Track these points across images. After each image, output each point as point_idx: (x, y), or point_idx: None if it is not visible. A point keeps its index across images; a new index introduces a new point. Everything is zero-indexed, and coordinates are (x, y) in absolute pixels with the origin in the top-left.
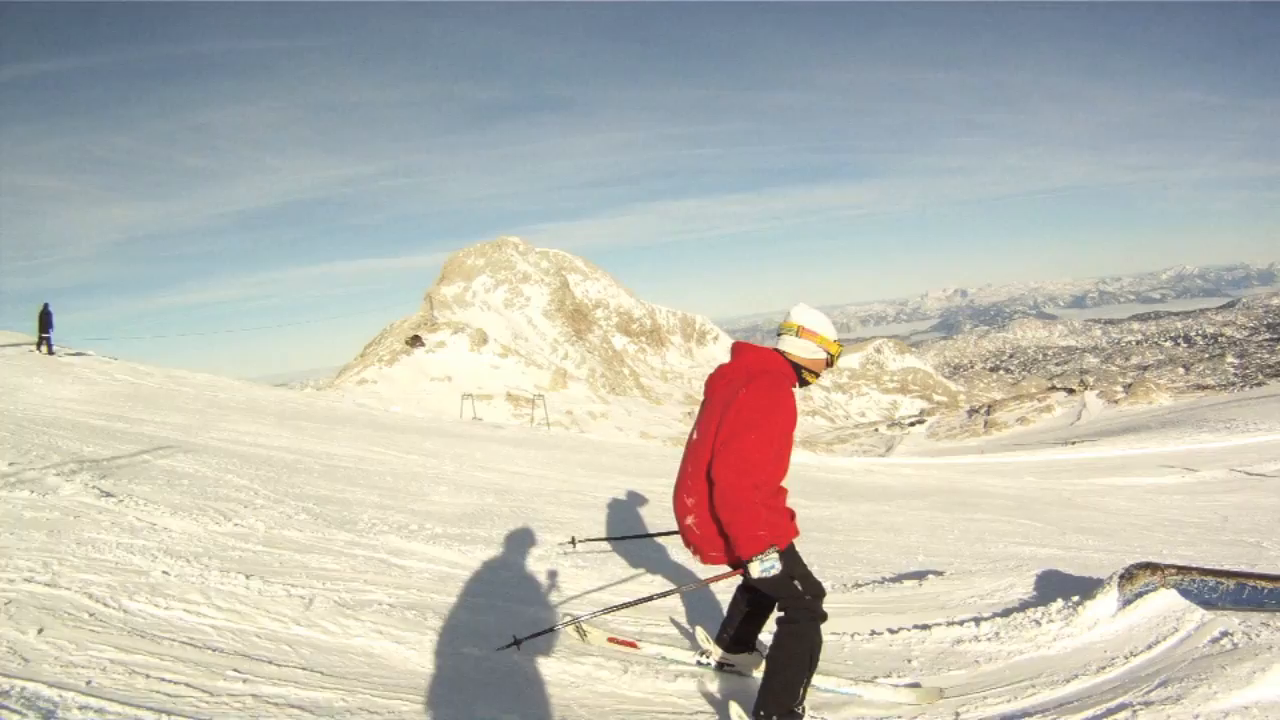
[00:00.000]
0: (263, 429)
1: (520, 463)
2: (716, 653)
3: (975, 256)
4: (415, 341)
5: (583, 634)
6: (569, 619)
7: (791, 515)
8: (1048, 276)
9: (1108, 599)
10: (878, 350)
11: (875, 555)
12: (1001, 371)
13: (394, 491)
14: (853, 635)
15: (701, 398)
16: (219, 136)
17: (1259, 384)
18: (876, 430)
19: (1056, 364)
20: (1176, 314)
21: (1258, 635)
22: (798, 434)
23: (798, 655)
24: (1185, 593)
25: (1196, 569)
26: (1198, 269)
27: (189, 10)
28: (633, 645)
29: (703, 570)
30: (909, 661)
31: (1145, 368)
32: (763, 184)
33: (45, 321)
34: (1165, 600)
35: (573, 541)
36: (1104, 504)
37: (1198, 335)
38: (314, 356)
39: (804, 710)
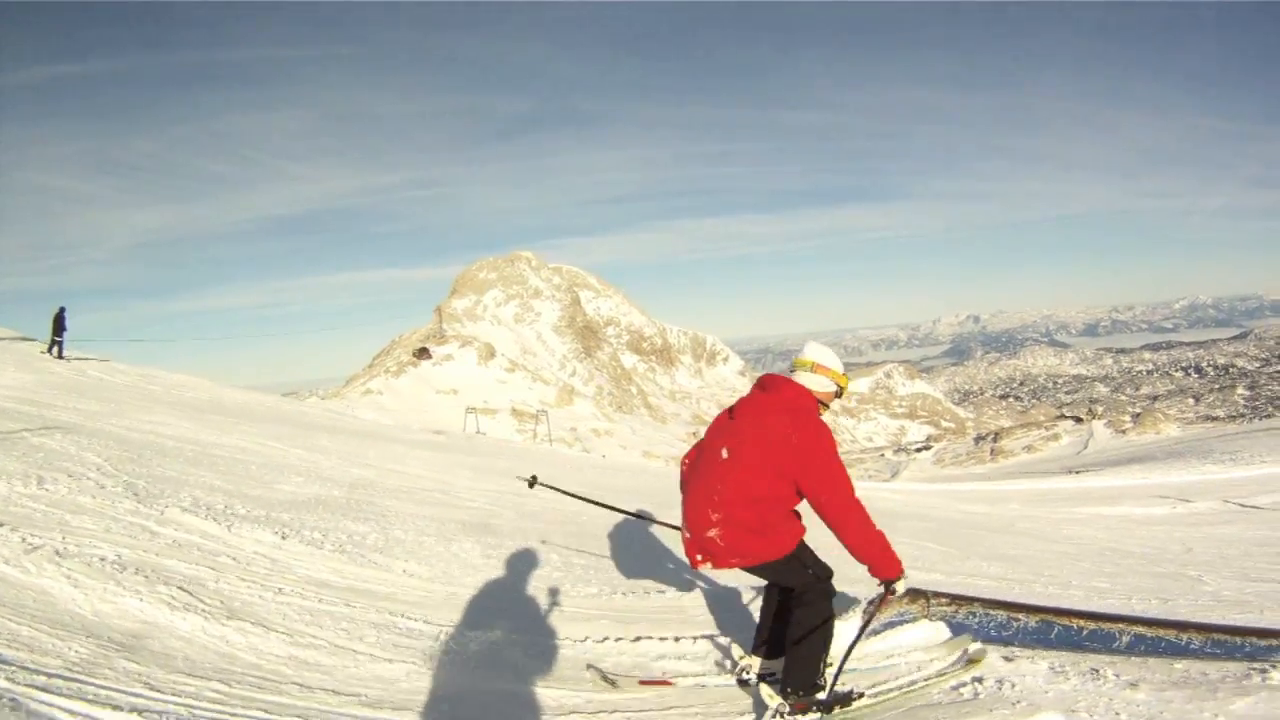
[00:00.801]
0: (170, 419)
1: (412, 462)
2: (756, 664)
3: (989, 282)
4: (423, 353)
5: (611, 682)
6: (592, 669)
7: (799, 514)
8: (1060, 304)
9: (849, 624)
10: (887, 375)
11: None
12: (1011, 399)
13: (241, 478)
14: (578, 640)
15: (709, 419)
16: (241, 143)
17: (1268, 416)
18: (883, 455)
19: (1067, 392)
20: (1188, 344)
21: (1018, 684)
22: None
23: (816, 631)
24: (960, 626)
25: (981, 600)
26: (1211, 299)
27: (213, 16)
28: (667, 684)
29: (701, 576)
30: (588, 669)
31: (1156, 398)
32: (780, 205)
33: (59, 325)
34: (921, 633)
35: (531, 482)
36: (1058, 532)
37: (1209, 366)
38: (328, 366)
39: (826, 683)
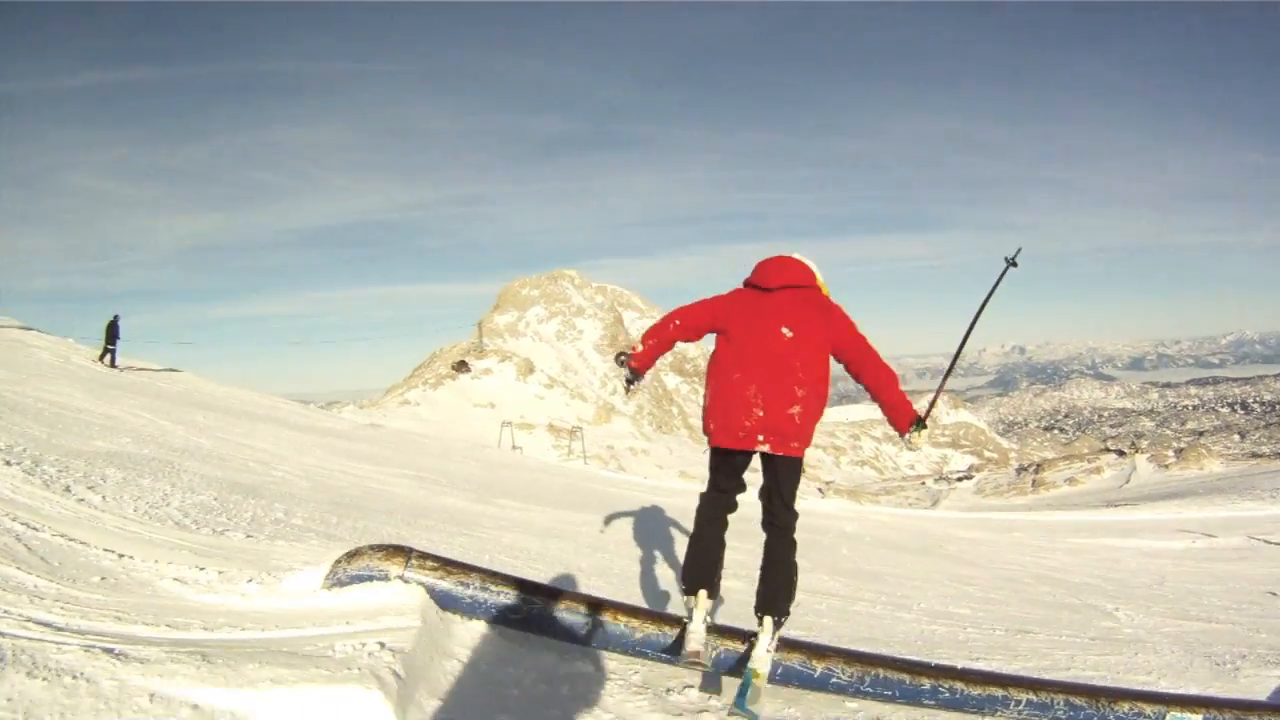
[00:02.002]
0: (75, 393)
1: (275, 441)
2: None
3: (1035, 313)
4: (461, 367)
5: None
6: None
7: None
8: (1106, 337)
9: (312, 573)
10: (931, 404)
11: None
12: (1055, 431)
13: (68, 433)
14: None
15: None
16: (287, 154)
17: None
18: (924, 484)
19: (1111, 425)
20: (1235, 380)
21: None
22: (846, 484)
23: (793, 557)
24: (450, 598)
25: (479, 570)
26: (1258, 335)
27: (265, 28)
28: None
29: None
30: None
31: (1201, 433)
32: (823, 231)
33: (112, 333)
34: (390, 594)
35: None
36: (1001, 558)
37: (1255, 402)
38: (369, 378)
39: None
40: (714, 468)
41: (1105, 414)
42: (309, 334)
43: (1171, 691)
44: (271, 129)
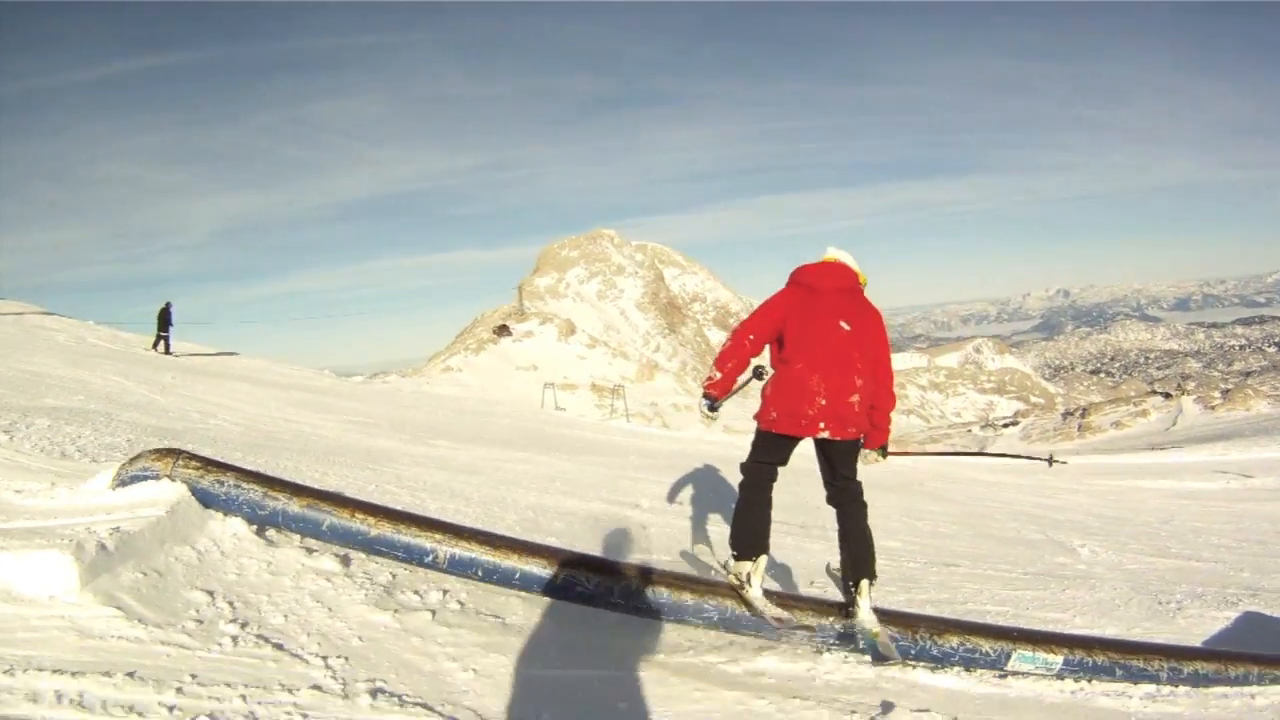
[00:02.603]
0: (55, 362)
1: (238, 397)
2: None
3: (1078, 256)
4: (503, 330)
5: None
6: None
7: None
8: (1151, 278)
9: (105, 476)
10: (976, 350)
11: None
12: (1102, 374)
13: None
14: None
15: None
16: (321, 129)
17: None
18: (970, 431)
19: (1158, 368)
20: None
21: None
22: (892, 433)
23: (867, 522)
24: (209, 496)
25: (237, 469)
26: None
27: (286, 9)
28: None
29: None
30: None
31: (1249, 374)
32: (860, 180)
33: (165, 320)
34: (158, 491)
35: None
36: (967, 493)
37: None
38: (414, 346)
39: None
40: (766, 448)
41: (1152, 356)
42: (352, 307)
43: (1042, 630)
44: (304, 105)
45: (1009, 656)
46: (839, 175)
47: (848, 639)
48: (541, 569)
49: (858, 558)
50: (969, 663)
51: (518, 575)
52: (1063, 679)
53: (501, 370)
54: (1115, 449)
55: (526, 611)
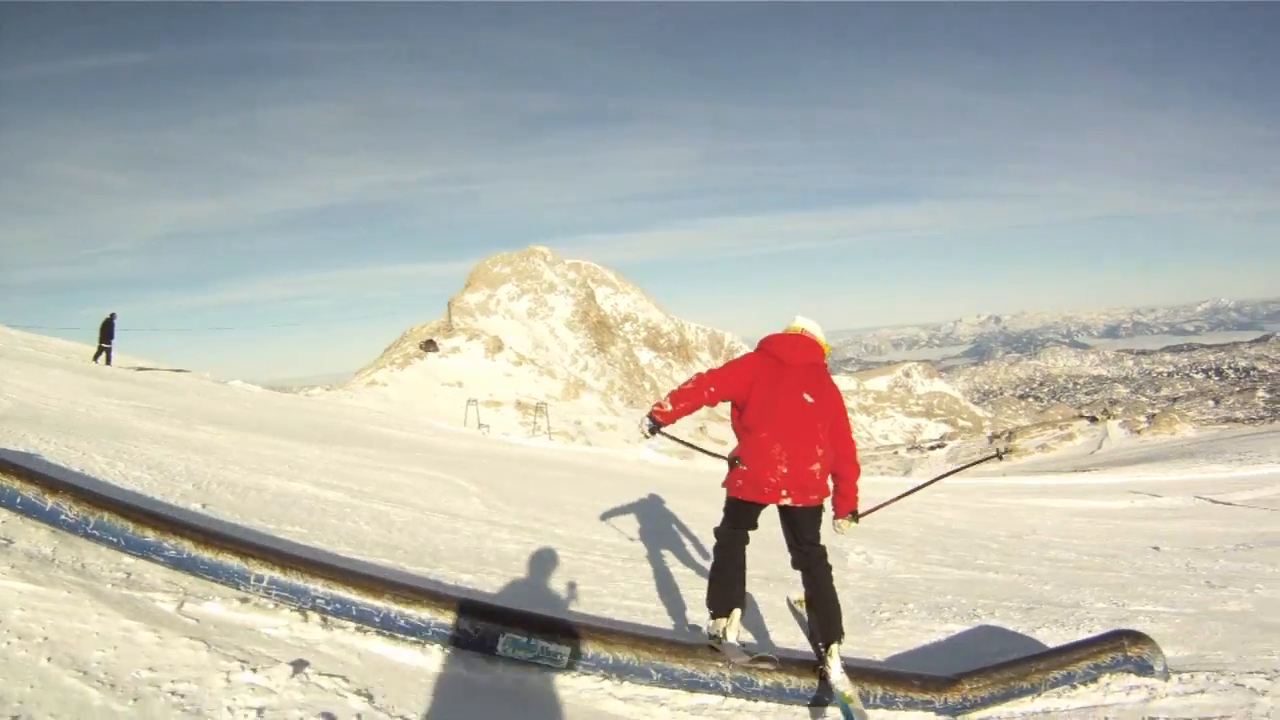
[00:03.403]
0: None
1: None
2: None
3: (1010, 283)
4: (429, 346)
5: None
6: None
7: None
8: (1082, 305)
9: None
10: (906, 374)
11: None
12: (1030, 399)
13: None
14: None
15: (723, 416)
16: (271, 136)
17: None
18: (896, 453)
19: (1087, 393)
20: (1210, 346)
21: None
22: None
23: (832, 585)
24: None
25: None
26: (1234, 302)
27: (246, 10)
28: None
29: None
30: None
31: (1175, 399)
32: (804, 204)
33: (107, 331)
34: None
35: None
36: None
37: (1230, 368)
38: (347, 359)
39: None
40: (734, 514)
41: (1080, 381)
42: (294, 318)
43: (559, 618)
44: (255, 112)
45: (497, 639)
46: (780, 199)
47: (821, 700)
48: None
49: (825, 621)
50: (451, 640)
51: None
52: (578, 674)
53: (426, 386)
54: (1041, 471)
55: None
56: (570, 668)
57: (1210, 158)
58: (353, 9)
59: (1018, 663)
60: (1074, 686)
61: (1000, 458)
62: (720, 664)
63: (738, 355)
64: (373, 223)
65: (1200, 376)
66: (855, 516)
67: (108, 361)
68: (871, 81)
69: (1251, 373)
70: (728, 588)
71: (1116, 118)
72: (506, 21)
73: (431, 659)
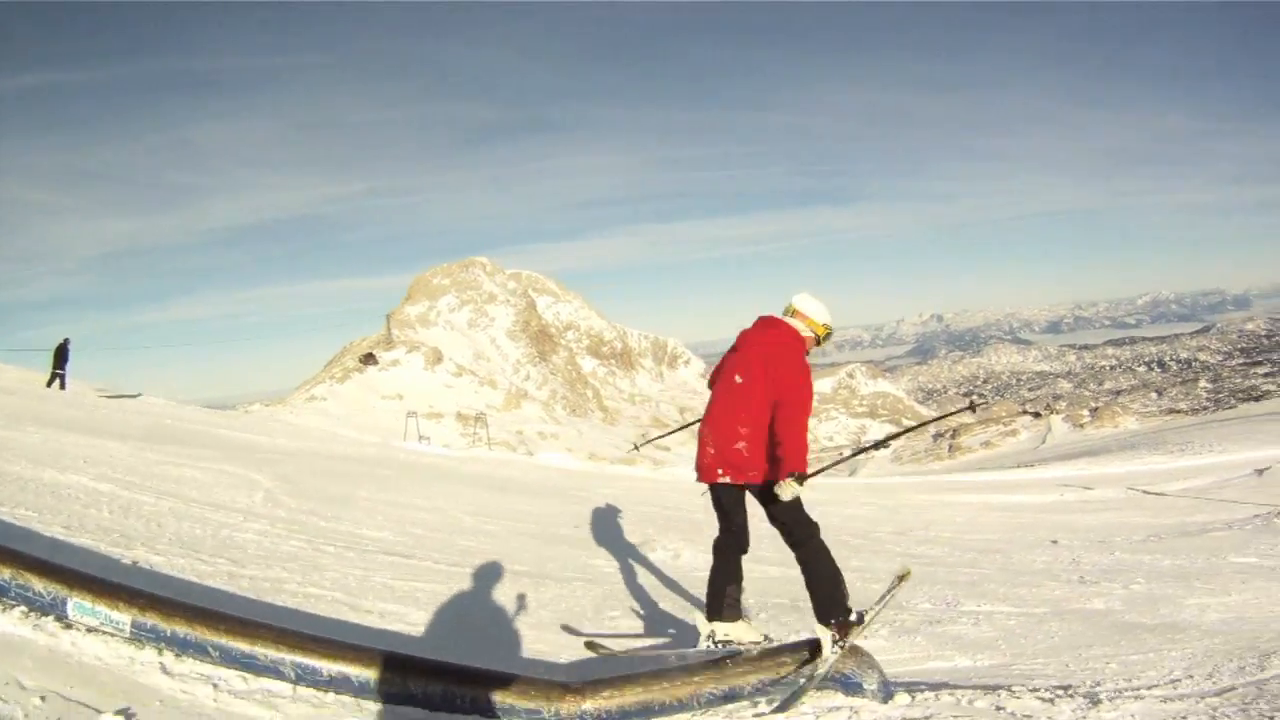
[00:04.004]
0: None
1: None
2: (708, 629)
3: (953, 282)
4: (369, 359)
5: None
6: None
7: None
8: (1024, 302)
9: None
10: (849, 375)
11: None
12: (975, 396)
13: None
14: None
15: (669, 421)
16: (207, 152)
17: (1231, 408)
18: (841, 454)
19: (1030, 389)
20: (1151, 339)
21: None
22: None
23: (829, 564)
24: None
25: None
26: (1173, 294)
27: (177, 26)
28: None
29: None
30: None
31: (1119, 392)
32: (746, 208)
33: (61, 357)
34: None
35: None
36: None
37: (1172, 360)
38: (292, 375)
39: (852, 608)
40: (711, 507)
41: (1024, 378)
42: (235, 335)
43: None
44: (188, 128)
45: (65, 603)
46: (721, 204)
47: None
48: None
49: (819, 600)
50: (26, 601)
51: None
52: (142, 645)
53: (366, 400)
54: (986, 467)
55: None
56: (135, 639)
57: (1144, 152)
58: (285, 24)
59: (668, 673)
60: (756, 704)
61: (974, 409)
62: (285, 648)
63: (681, 360)
64: (312, 237)
65: (1143, 369)
66: (799, 478)
67: (62, 387)
68: (807, 85)
69: (1193, 364)
70: (708, 592)
71: (1050, 115)
72: (440, 32)
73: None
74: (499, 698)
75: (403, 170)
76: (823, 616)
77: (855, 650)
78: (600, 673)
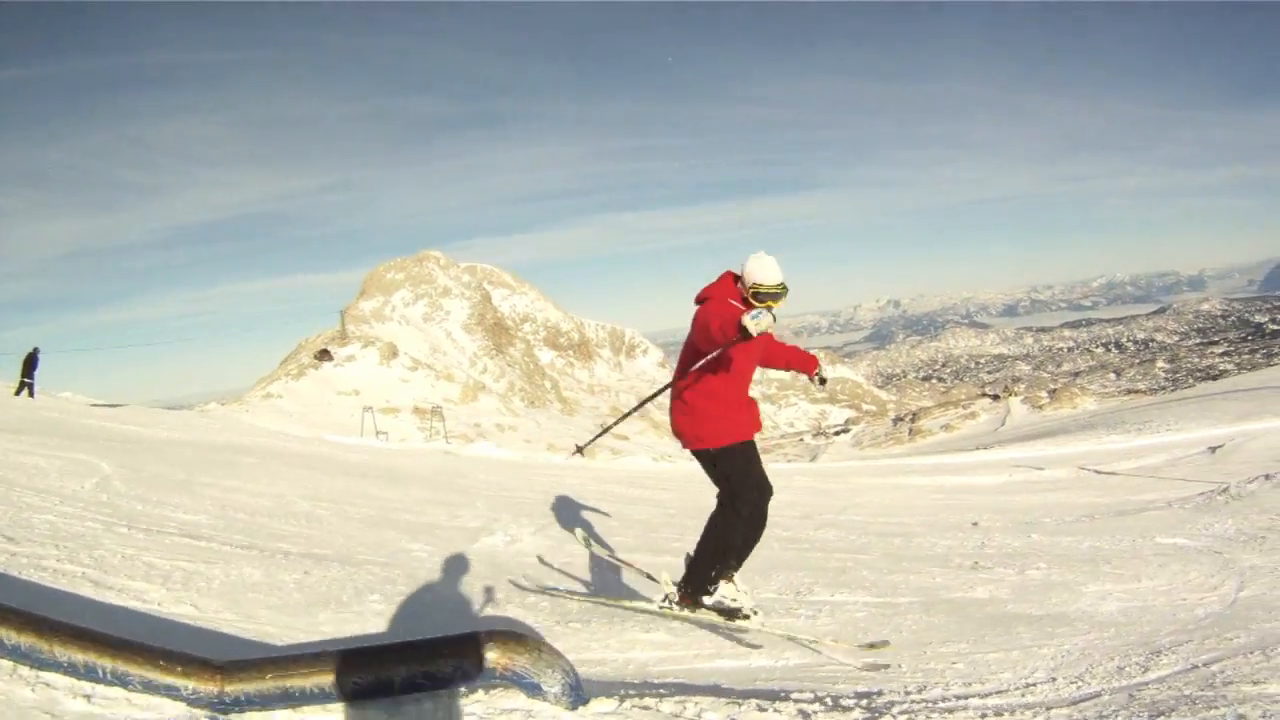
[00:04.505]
0: None
1: None
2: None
3: (909, 267)
4: (324, 355)
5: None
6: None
7: (756, 413)
8: (980, 286)
9: None
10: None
11: None
12: (934, 380)
13: None
14: None
15: (624, 410)
16: (156, 150)
17: (1189, 387)
18: (802, 440)
19: (988, 372)
20: (1108, 321)
21: None
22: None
23: (711, 539)
24: None
25: None
26: (1129, 276)
27: (124, 22)
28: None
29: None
30: None
31: (1077, 374)
32: (699, 198)
33: (29, 366)
34: None
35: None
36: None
37: (1129, 341)
38: (245, 374)
39: (715, 590)
40: None
41: (982, 361)
42: (187, 334)
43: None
44: (134, 125)
45: None
46: (674, 194)
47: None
48: None
49: (692, 567)
50: None
51: None
52: None
53: (322, 396)
54: (945, 450)
55: None
56: None
57: (1097, 138)
58: (231, 19)
59: (310, 659)
60: (402, 697)
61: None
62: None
63: (639, 350)
64: (267, 234)
65: (1100, 350)
66: (820, 380)
67: (30, 395)
68: (758, 75)
69: (1150, 344)
70: (689, 566)
71: (1001, 102)
72: (390, 27)
73: None
74: (137, 670)
75: (355, 165)
76: (683, 581)
77: (538, 646)
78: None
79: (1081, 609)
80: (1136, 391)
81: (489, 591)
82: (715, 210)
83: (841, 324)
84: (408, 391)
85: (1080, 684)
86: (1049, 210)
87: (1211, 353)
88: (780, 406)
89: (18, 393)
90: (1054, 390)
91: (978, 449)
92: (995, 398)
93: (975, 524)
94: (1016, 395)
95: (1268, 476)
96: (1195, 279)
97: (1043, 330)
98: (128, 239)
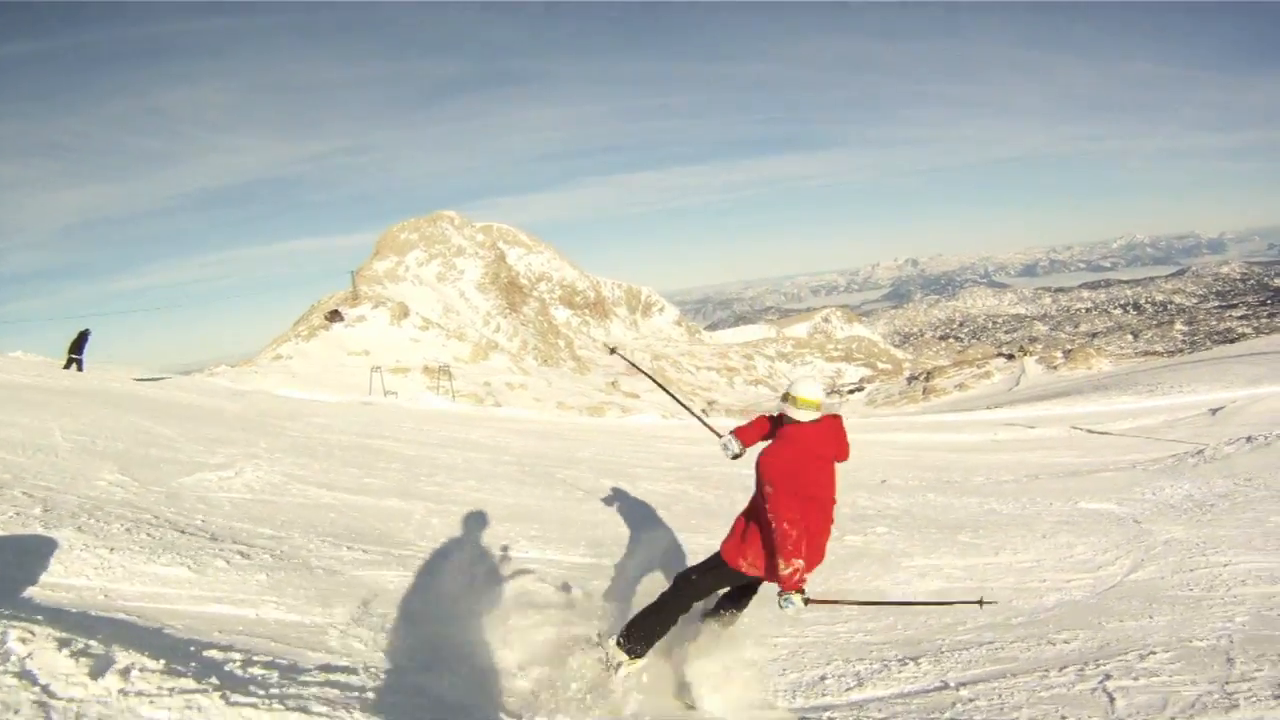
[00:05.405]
0: None
1: None
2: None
3: (927, 226)
4: (334, 316)
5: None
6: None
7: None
8: (999, 246)
9: None
10: (825, 320)
11: None
12: (950, 339)
13: None
14: None
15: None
16: (171, 118)
17: (1206, 349)
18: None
19: (1006, 332)
20: (1126, 282)
21: None
22: (739, 403)
23: (669, 616)
24: None
25: None
26: (1148, 238)
27: None
28: None
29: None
30: None
31: (1094, 335)
32: (716, 156)
33: (79, 344)
34: None
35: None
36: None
37: (1147, 303)
38: (262, 336)
39: (643, 655)
40: None
41: (999, 320)
42: (209, 299)
43: None
44: (152, 94)
45: None
46: (691, 152)
47: None
48: None
49: (634, 623)
50: None
51: None
52: None
53: (332, 356)
54: (959, 408)
55: None
56: None
57: (1117, 98)
58: None
59: None
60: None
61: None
62: None
63: (655, 309)
64: (280, 198)
65: (1118, 312)
66: (786, 597)
67: (79, 369)
68: (776, 34)
69: (1169, 306)
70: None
71: (1020, 62)
72: None
73: None
74: None
75: (368, 128)
76: (624, 636)
77: None
78: None
79: (893, 585)
80: (1153, 353)
81: None
82: (734, 169)
83: (859, 283)
84: (418, 351)
85: (799, 697)
86: (1069, 170)
87: (1230, 316)
88: (795, 364)
89: (66, 367)
90: (1069, 351)
91: (989, 408)
92: (1010, 357)
93: (883, 482)
94: (1032, 355)
95: (1249, 439)
96: (1215, 241)
97: (1061, 290)
98: (141, 206)
